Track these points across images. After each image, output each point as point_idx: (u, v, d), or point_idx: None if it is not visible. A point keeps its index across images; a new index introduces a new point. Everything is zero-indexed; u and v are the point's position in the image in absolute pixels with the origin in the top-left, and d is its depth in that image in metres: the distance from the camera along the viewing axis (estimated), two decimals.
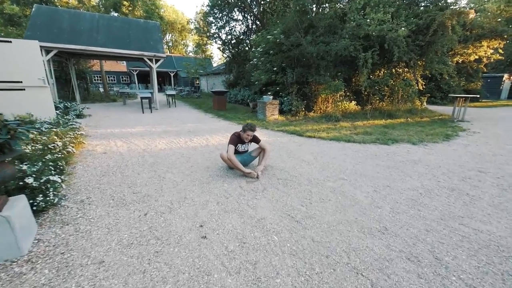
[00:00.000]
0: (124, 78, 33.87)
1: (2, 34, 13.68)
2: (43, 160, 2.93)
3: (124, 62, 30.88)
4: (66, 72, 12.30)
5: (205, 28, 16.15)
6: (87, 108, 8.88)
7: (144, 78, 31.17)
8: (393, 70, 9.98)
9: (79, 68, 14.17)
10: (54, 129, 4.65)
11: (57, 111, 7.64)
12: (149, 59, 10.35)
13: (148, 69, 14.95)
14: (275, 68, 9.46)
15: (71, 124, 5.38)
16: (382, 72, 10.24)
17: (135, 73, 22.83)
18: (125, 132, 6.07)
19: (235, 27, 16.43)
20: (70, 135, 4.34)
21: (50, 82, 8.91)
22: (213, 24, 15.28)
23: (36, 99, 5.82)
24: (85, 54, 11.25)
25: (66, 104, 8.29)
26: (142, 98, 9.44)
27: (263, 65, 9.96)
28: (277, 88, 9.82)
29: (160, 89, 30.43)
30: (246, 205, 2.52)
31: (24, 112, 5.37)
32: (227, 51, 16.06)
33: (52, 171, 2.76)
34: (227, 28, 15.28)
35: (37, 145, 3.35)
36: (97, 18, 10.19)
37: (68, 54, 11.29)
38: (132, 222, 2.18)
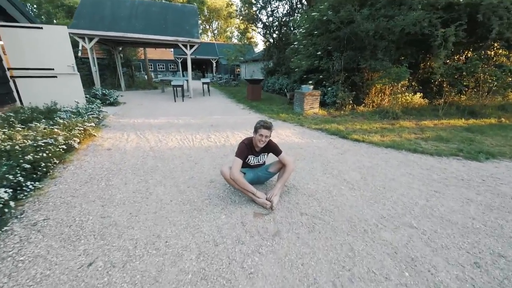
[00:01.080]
0: (172, 66, 35.57)
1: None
2: (20, 160, 2.47)
3: (172, 50, 32.17)
4: (114, 60, 12.90)
5: (245, 10, 15.08)
6: (120, 95, 8.94)
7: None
8: (483, 53, 7.41)
9: (125, 56, 14.85)
10: (73, 119, 4.41)
11: (94, 99, 7.84)
12: (183, 45, 9.91)
13: (193, 57, 14.88)
14: (319, 53, 7.96)
15: (92, 113, 5.16)
16: (464, 56, 7.75)
17: (179, 61, 23.41)
18: (146, 123, 5.67)
19: (277, 8, 14.93)
20: (79, 127, 3.99)
21: (93, 70, 9.26)
22: (253, 5, 14.10)
23: (65, 86, 5.81)
24: (124, 42, 11.48)
25: (104, 91, 8.47)
26: (174, 86, 9.12)
27: (305, 49, 8.52)
28: (320, 76, 8.34)
29: (203, 77, 31.01)
30: (239, 267, 1.57)
31: (54, 100, 5.34)
32: (268, 35, 14.79)
33: (18, 176, 2.26)
34: (268, 9, 13.94)
35: (27, 141, 2.97)
36: (136, 4, 10.11)
37: (112, 42, 11.70)
38: (65, 278, 1.46)
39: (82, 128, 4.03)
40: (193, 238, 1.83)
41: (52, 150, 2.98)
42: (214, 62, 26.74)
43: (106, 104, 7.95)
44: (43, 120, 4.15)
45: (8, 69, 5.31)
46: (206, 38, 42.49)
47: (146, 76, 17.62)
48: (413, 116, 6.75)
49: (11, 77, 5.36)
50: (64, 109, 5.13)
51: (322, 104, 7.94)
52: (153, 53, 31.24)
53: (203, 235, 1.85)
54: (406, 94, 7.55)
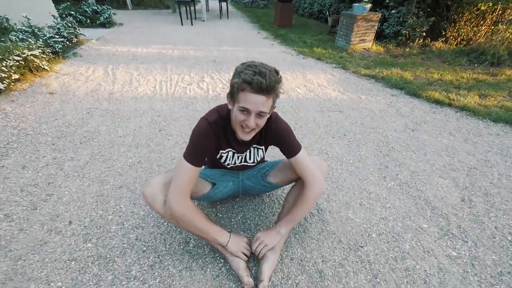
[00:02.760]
0: None
1: None
2: None
3: None
4: None
5: None
6: (113, 14, 7.16)
7: None
8: None
9: None
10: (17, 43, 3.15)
11: (82, 17, 6.30)
12: None
13: None
14: None
15: (56, 37, 3.81)
16: None
17: None
18: (131, 52, 4.24)
19: None
20: (15, 56, 2.74)
21: None
22: None
23: None
24: None
25: (96, 8, 6.78)
26: (179, 2, 7.01)
27: None
28: None
29: None
30: None
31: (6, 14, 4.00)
32: None
33: None
34: None
35: None
36: None
37: None
38: None
39: (20, 59, 2.79)
40: None
41: None
42: None
43: (97, 24, 6.42)
44: None
45: None
46: None
47: None
48: None
49: None
50: (20, 28, 3.82)
51: (378, 36, 5.53)
52: None
53: None
54: None
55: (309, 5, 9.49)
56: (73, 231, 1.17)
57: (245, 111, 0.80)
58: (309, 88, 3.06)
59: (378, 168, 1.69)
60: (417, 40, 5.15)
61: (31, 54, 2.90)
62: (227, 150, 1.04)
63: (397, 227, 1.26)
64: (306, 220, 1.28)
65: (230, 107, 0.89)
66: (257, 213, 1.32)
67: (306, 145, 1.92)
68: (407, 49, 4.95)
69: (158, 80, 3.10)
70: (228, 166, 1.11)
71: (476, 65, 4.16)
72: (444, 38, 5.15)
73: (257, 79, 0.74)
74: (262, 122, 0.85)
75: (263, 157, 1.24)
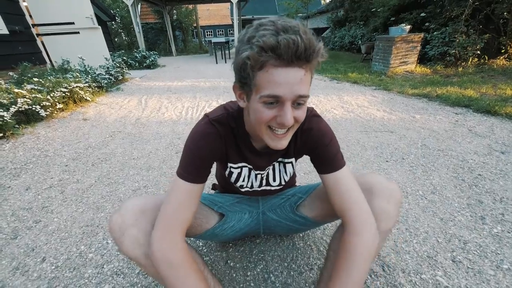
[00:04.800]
0: (231, 32, 34.26)
1: None
2: None
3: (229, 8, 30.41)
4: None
5: None
6: (156, 57, 8.07)
7: None
8: None
9: (178, 18, 14.05)
10: (67, 78, 3.51)
11: (133, 62, 7.19)
12: None
13: (248, 17, 12.96)
14: None
15: (103, 74, 4.23)
16: None
17: (237, 23, 21.67)
18: (167, 86, 4.47)
19: None
20: (62, 88, 2.99)
21: (136, 31, 8.63)
22: None
23: (88, 43, 5.05)
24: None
25: (144, 53, 7.75)
26: (215, 44, 7.63)
27: None
28: (422, 14, 5.32)
29: None
30: None
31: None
32: None
33: None
34: None
35: None
36: None
37: (161, 1, 10.82)
38: None
39: (66, 90, 3.04)
40: None
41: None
42: None
43: (143, 67, 7.24)
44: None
45: (33, 25, 4.83)
46: None
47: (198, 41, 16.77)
48: None
49: (38, 35, 4.89)
50: (77, 68, 4.37)
51: (421, 59, 5.06)
52: (211, 19, 30.42)
53: None
54: None
55: (339, 38, 9.60)
56: (40, 273, 0.88)
57: (274, 101, 0.47)
58: (347, 109, 2.67)
59: (467, 204, 1.15)
60: (470, 60, 4.55)
61: (77, 86, 3.15)
62: (239, 165, 0.70)
63: None
64: (366, 283, 0.81)
65: (242, 104, 0.56)
66: (286, 264, 0.89)
67: (352, 171, 1.48)
68: (460, 69, 4.35)
69: (186, 106, 3.06)
70: (243, 190, 0.76)
71: None
72: (506, 55, 4.45)
73: (287, 39, 0.41)
74: (302, 114, 0.52)
75: (293, 176, 0.87)
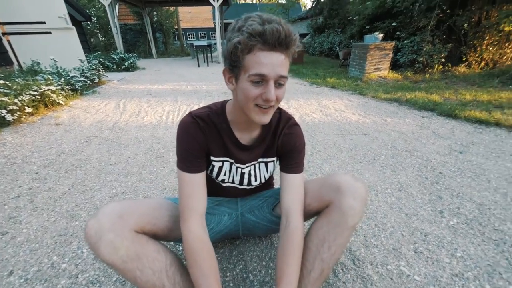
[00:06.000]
0: (213, 35, 34.12)
1: None
2: None
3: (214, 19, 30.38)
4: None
5: None
6: (135, 59, 7.85)
7: None
8: None
9: (158, 20, 13.77)
10: (38, 81, 3.31)
11: (110, 64, 6.93)
12: None
13: (230, 21, 12.96)
14: None
15: (77, 77, 4.04)
16: None
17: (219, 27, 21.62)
18: (147, 89, 4.37)
19: None
20: (32, 91, 2.82)
21: (114, 32, 8.34)
22: None
23: (62, 44, 4.80)
24: (154, 1, 10.19)
25: (123, 56, 7.50)
26: (196, 47, 7.59)
27: None
28: (394, 24, 5.67)
29: None
30: None
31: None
32: None
33: None
34: None
35: None
36: None
37: (140, 2, 10.56)
38: None
39: (37, 93, 2.87)
40: None
41: None
42: None
43: (122, 69, 7.00)
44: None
45: None
46: (250, 0, 38.99)
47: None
48: None
49: (3, 34, 4.57)
50: (48, 70, 4.14)
51: (393, 66, 5.41)
52: (194, 21, 30.11)
53: None
54: None
55: (319, 44, 9.95)
56: (7, 287, 0.84)
57: (260, 80, 0.55)
58: (325, 113, 2.80)
59: (429, 200, 1.26)
60: (436, 67, 4.94)
61: (48, 89, 2.99)
62: (220, 159, 0.74)
63: None
64: (337, 277, 0.86)
65: (231, 87, 0.63)
66: (264, 263, 0.93)
67: (327, 171, 1.56)
68: (427, 76, 4.70)
69: (167, 110, 3.02)
70: (224, 184, 0.80)
71: (511, 86, 3.75)
72: (466, 63, 4.88)
73: (271, 28, 0.50)
74: (282, 93, 0.60)
75: (272, 177, 0.92)
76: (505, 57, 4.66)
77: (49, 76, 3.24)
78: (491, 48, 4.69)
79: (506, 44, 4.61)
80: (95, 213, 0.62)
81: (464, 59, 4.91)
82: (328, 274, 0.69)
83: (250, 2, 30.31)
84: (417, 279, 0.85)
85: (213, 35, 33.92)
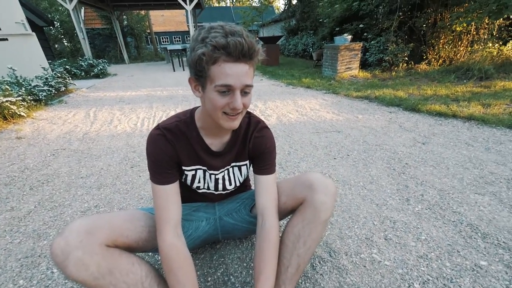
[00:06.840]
0: (188, 38, 33.52)
1: None
2: None
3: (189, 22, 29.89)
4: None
5: None
6: (105, 65, 7.52)
7: None
8: None
9: (129, 24, 13.28)
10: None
11: (77, 71, 6.54)
12: None
13: (204, 24, 12.84)
14: None
15: (41, 86, 3.77)
16: None
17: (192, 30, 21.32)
18: (119, 96, 4.19)
19: None
20: None
21: (80, 37, 7.90)
22: None
23: (21, 51, 4.45)
24: (120, 4, 9.82)
25: (92, 62, 7.12)
26: (171, 51, 7.43)
27: None
28: (361, 25, 6.01)
29: None
30: None
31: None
32: None
33: None
34: None
35: None
36: None
37: (108, 6, 10.12)
38: None
39: None
40: None
41: None
42: None
43: (91, 76, 6.65)
44: None
45: None
46: (223, 4, 38.94)
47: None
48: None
49: None
50: (6, 80, 3.81)
51: (363, 65, 5.72)
52: (167, 25, 29.37)
53: None
54: (490, 44, 4.91)
55: (293, 46, 10.21)
56: None
57: (226, 90, 0.57)
58: (301, 112, 2.88)
59: (397, 189, 1.36)
60: (400, 65, 5.30)
61: (7, 101, 2.76)
62: (192, 167, 0.75)
63: (446, 268, 0.88)
64: (315, 269, 0.90)
65: (197, 95, 0.64)
66: (245, 264, 0.94)
67: (305, 169, 1.61)
68: (393, 73, 5.03)
69: (141, 117, 2.92)
70: (200, 191, 0.80)
71: (465, 80, 4.14)
72: (426, 61, 5.30)
73: (234, 41, 0.52)
74: (248, 100, 0.62)
75: (247, 179, 0.94)
76: (459, 55, 5.14)
77: (7, 86, 2.98)
78: (446, 47, 5.15)
79: (459, 43, 5.08)
80: (61, 230, 0.59)
81: (424, 57, 5.33)
82: (304, 269, 0.72)
83: (224, 6, 30.29)
84: (388, 264, 0.91)
85: (188, 38, 33.34)
